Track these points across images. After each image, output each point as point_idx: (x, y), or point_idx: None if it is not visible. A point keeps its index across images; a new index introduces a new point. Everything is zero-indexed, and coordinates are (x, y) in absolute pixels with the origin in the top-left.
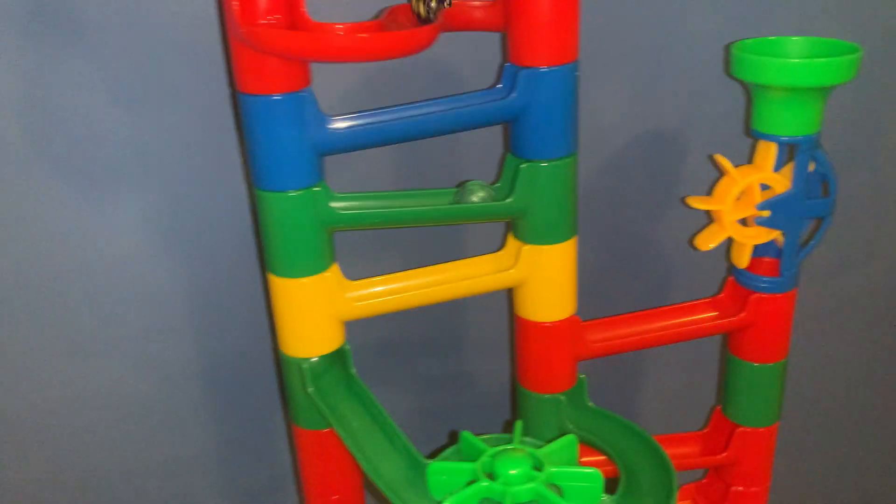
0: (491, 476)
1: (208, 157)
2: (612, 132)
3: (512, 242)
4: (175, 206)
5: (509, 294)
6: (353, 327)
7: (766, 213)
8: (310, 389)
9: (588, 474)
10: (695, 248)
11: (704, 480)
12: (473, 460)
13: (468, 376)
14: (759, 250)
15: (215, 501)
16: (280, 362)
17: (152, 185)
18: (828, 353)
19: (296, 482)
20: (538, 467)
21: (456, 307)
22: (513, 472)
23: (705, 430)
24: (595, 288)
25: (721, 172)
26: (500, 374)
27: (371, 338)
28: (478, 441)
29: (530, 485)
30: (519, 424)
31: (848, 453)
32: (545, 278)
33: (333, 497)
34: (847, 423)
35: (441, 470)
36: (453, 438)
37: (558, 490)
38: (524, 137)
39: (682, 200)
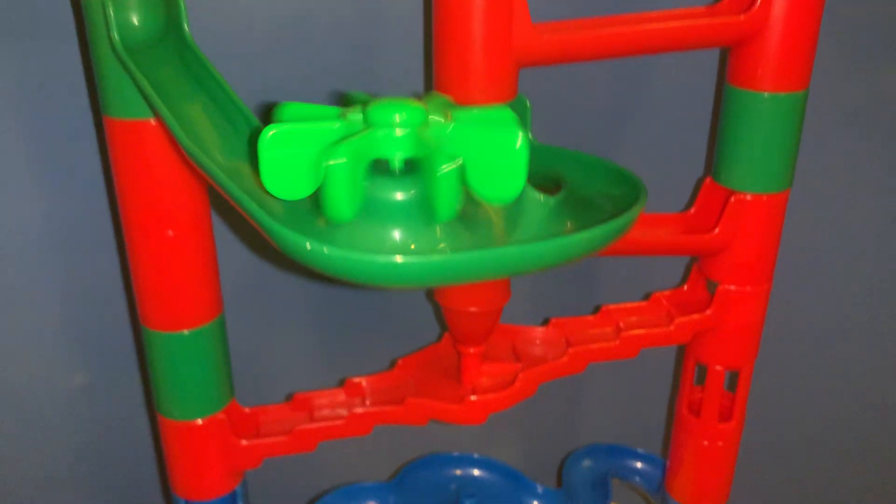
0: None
1: None
2: None
3: None
4: None
5: None
6: None
7: None
8: (114, 37)
9: (497, 112)
10: None
11: (685, 286)
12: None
13: None
14: None
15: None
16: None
17: None
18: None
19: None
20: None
21: None
22: (399, 116)
23: (691, 210)
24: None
25: None
26: None
27: None
28: (321, 107)
29: (449, 125)
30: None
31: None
32: None
33: (166, 232)
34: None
35: (287, 137)
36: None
37: None
38: None
39: None
